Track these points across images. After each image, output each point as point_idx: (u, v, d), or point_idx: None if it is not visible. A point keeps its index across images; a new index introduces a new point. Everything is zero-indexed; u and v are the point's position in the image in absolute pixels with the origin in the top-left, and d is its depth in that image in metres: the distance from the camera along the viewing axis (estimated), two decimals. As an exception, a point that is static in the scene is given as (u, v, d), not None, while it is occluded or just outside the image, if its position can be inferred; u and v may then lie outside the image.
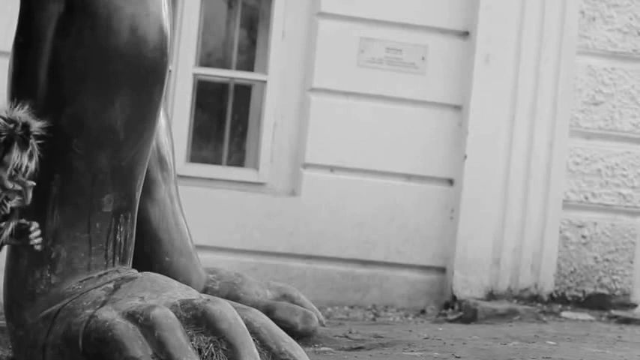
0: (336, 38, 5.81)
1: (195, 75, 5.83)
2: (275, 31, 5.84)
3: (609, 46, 6.00)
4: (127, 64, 2.83)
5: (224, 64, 6.04)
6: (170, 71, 5.56)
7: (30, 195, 2.29)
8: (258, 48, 6.03)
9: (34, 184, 2.30)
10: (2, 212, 2.28)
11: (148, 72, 2.85)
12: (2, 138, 2.27)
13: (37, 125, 2.31)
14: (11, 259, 2.93)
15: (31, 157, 2.30)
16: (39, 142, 2.31)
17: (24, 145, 2.29)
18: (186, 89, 5.78)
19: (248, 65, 6.03)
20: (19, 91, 2.97)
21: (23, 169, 2.30)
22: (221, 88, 5.99)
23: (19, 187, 2.29)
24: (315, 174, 5.79)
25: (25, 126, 2.30)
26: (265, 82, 5.84)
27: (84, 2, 2.84)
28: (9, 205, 2.28)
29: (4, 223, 2.30)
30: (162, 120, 3.71)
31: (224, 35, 6.10)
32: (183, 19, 5.78)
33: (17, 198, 2.29)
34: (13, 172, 2.27)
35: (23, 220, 2.37)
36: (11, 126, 2.27)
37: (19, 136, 2.29)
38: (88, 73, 2.82)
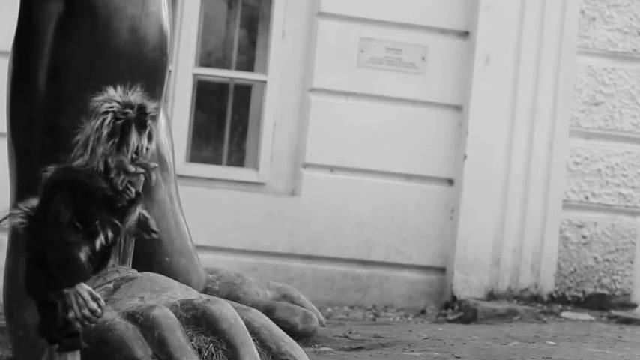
0: (336, 38, 5.82)
1: (195, 75, 5.83)
2: (275, 31, 5.84)
3: (609, 46, 6.00)
4: (127, 64, 2.83)
5: (224, 64, 6.04)
6: (170, 71, 5.56)
7: (154, 177, 2.27)
8: (258, 48, 6.03)
9: (157, 165, 2.28)
10: (128, 197, 2.25)
11: (147, 72, 2.85)
12: (120, 122, 2.24)
13: (152, 106, 2.29)
14: (11, 258, 2.93)
15: (150, 138, 2.28)
16: (154, 122, 2.29)
17: (142, 127, 2.26)
18: (186, 89, 5.78)
19: (248, 65, 6.03)
20: (19, 91, 2.97)
21: (143, 151, 2.27)
22: (221, 88, 5.99)
23: (141, 170, 2.26)
24: (315, 174, 5.79)
25: (141, 108, 2.28)
26: (265, 82, 5.85)
27: (84, 2, 2.84)
28: (134, 190, 2.26)
29: (131, 208, 2.27)
30: (162, 120, 3.71)
31: (224, 35, 6.10)
32: (183, 19, 5.78)
33: (139, 181, 2.27)
34: (134, 156, 2.25)
35: (145, 213, 2.34)
36: (127, 110, 2.25)
37: (135, 118, 2.26)
38: (88, 73, 2.82)
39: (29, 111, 2.91)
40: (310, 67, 5.82)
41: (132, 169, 2.26)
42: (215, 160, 5.92)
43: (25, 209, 2.29)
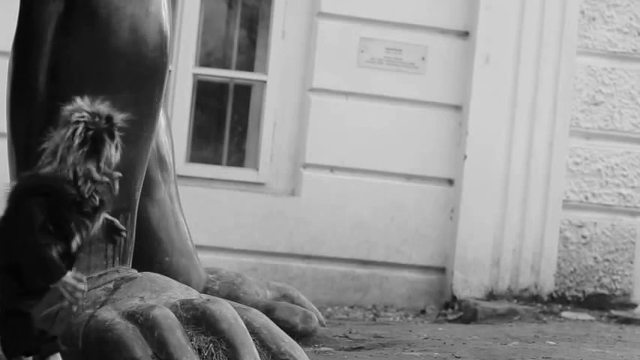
0: (336, 38, 5.81)
1: (195, 75, 5.83)
2: (275, 31, 5.84)
3: (609, 46, 5.99)
4: (127, 64, 2.83)
5: (224, 64, 6.04)
6: (170, 71, 5.56)
7: (117, 186, 2.36)
8: (258, 48, 6.03)
9: (120, 174, 2.36)
10: (92, 204, 2.33)
11: (147, 72, 2.85)
12: (91, 132, 2.31)
13: (119, 117, 2.36)
14: None
15: (117, 148, 2.36)
16: (121, 133, 2.36)
17: (111, 137, 2.35)
18: (186, 89, 5.78)
19: (248, 65, 6.03)
20: (19, 90, 2.97)
21: (111, 160, 2.35)
22: (221, 88, 5.99)
23: (106, 179, 2.34)
24: (315, 174, 5.79)
25: (109, 118, 2.35)
26: (265, 82, 5.84)
27: (84, 2, 2.84)
28: (98, 197, 2.33)
29: (96, 215, 2.34)
30: (161, 120, 3.71)
31: (224, 35, 6.10)
32: (183, 19, 5.78)
33: (104, 189, 2.34)
34: (102, 165, 2.32)
35: (108, 216, 2.41)
36: (96, 120, 2.32)
37: (105, 129, 2.33)
38: (88, 72, 2.82)
39: (29, 111, 2.91)
40: (310, 67, 5.82)
41: (98, 177, 2.33)
42: (215, 160, 5.92)
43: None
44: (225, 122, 5.98)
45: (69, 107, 2.34)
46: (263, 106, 5.84)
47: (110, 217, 2.43)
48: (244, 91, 5.99)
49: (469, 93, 5.86)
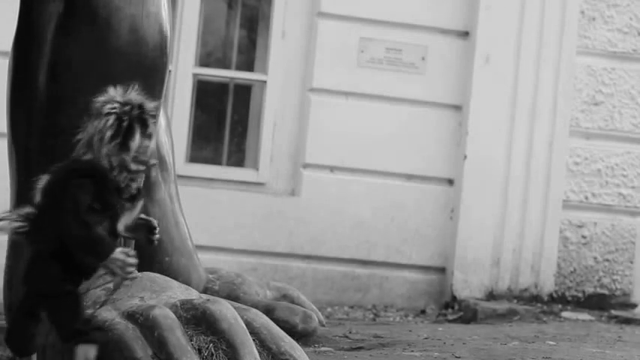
0: (336, 38, 5.81)
1: (195, 75, 5.83)
2: (275, 31, 5.84)
3: (609, 46, 6.00)
4: (127, 64, 2.83)
5: (224, 65, 6.04)
6: (170, 71, 5.56)
7: (154, 173, 2.39)
8: (258, 48, 6.03)
9: (157, 162, 2.37)
10: (129, 193, 2.34)
11: (147, 72, 2.85)
12: (124, 123, 2.32)
13: (152, 105, 2.36)
14: (11, 259, 2.93)
15: (150, 136, 2.36)
16: (154, 121, 2.36)
17: (143, 126, 2.34)
18: (186, 89, 5.78)
19: (248, 65, 6.03)
20: (19, 90, 2.97)
21: (144, 149, 2.35)
22: (221, 88, 5.99)
23: (142, 167, 2.34)
24: (315, 174, 5.79)
25: (141, 107, 2.35)
26: (265, 82, 5.84)
27: (84, 2, 2.84)
28: (134, 186, 2.34)
29: (133, 204, 2.36)
30: (161, 120, 3.70)
31: (224, 35, 6.10)
32: (183, 19, 5.78)
33: (140, 178, 2.35)
34: (135, 154, 2.32)
35: (142, 215, 2.42)
36: (128, 109, 2.32)
37: (137, 118, 2.33)
38: (88, 73, 2.82)
39: (29, 111, 2.91)
40: (310, 67, 5.82)
41: (133, 167, 2.32)
42: (215, 160, 5.92)
43: (23, 213, 2.35)
44: (225, 122, 5.98)
45: (101, 98, 2.34)
46: (263, 106, 5.84)
47: (146, 217, 2.45)
48: (244, 91, 5.99)
49: (469, 93, 5.86)
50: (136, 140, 2.33)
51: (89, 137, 2.33)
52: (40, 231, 2.31)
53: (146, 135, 2.35)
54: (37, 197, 2.35)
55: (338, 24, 5.82)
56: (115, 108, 2.32)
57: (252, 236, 5.70)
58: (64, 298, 2.32)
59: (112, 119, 2.31)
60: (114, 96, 2.34)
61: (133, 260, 2.29)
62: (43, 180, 2.37)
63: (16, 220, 2.34)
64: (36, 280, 2.33)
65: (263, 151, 5.81)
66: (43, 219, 2.31)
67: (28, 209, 2.35)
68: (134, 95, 2.35)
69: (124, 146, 2.32)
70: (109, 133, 2.31)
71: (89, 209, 2.28)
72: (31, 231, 2.32)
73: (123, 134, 2.32)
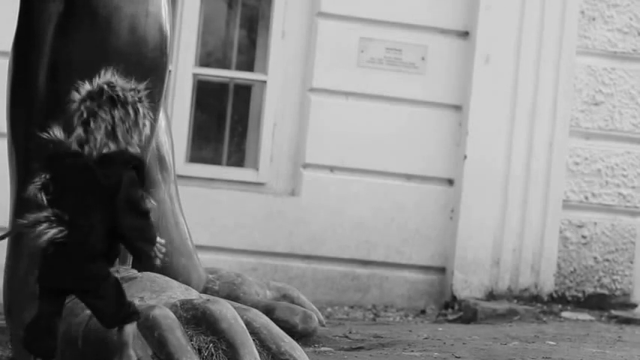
0: (336, 38, 5.81)
1: (195, 75, 5.83)
2: (275, 31, 5.84)
3: (609, 46, 6.00)
4: (127, 64, 2.83)
5: (224, 64, 6.04)
6: (170, 71, 5.56)
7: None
8: (258, 48, 6.03)
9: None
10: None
11: (147, 72, 2.85)
12: (144, 110, 2.32)
13: (141, 86, 2.35)
14: (11, 259, 2.93)
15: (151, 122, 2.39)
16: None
17: (147, 111, 2.36)
18: (186, 89, 5.78)
19: (248, 65, 6.03)
20: (19, 91, 2.97)
21: (148, 136, 2.39)
22: (221, 88, 5.99)
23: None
24: (315, 174, 5.79)
25: (138, 90, 2.35)
26: (265, 82, 5.84)
27: (84, 2, 2.84)
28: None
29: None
30: (161, 120, 3.70)
31: (224, 35, 6.10)
32: (183, 19, 5.78)
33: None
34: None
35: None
36: (134, 94, 2.32)
37: (141, 102, 2.34)
38: (88, 72, 2.82)
39: (29, 111, 2.91)
40: (310, 67, 5.82)
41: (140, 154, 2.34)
42: (215, 160, 5.92)
43: (52, 217, 2.28)
44: (225, 122, 5.98)
45: (117, 84, 2.30)
46: (263, 106, 5.84)
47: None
48: (244, 91, 5.99)
49: (469, 93, 5.86)
50: (148, 126, 2.33)
51: (110, 127, 2.27)
52: (81, 229, 2.26)
53: (147, 119, 2.35)
54: (62, 196, 2.29)
55: (338, 24, 5.82)
56: (134, 96, 2.30)
57: (252, 236, 5.70)
58: (108, 287, 2.31)
59: (141, 108, 2.30)
60: (123, 84, 2.31)
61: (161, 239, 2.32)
62: (60, 178, 2.31)
63: (52, 227, 2.26)
64: (79, 278, 2.28)
65: (263, 151, 5.81)
66: (87, 217, 2.26)
67: (46, 212, 2.28)
68: (123, 80, 2.33)
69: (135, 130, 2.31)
70: (142, 122, 2.30)
71: (142, 198, 2.29)
72: (72, 232, 2.26)
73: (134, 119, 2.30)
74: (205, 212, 5.59)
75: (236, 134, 6.01)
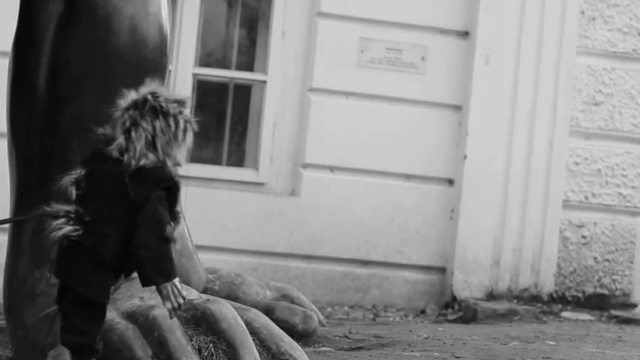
0: (336, 38, 5.81)
1: (195, 75, 5.83)
2: (275, 31, 5.84)
3: (609, 46, 5.99)
4: (127, 64, 2.83)
5: (224, 64, 6.04)
6: (170, 71, 5.56)
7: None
8: (257, 48, 6.02)
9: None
10: None
11: (147, 72, 2.85)
12: (187, 124, 2.32)
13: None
14: (11, 259, 2.93)
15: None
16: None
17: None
18: (186, 89, 5.78)
19: (248, 65, 6.03)
20: (19, 90, 2.97)
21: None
22: (221, 88, 5.99)
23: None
24: (315, 174, 5.79)
25: (183, 102, 2.34)
26: (265, 82, 5.84)
27: (84, 2, 2.84)
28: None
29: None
30: (162, 120, 3.70)
31: (224, 35, 6.10)
32: (183, 19, 5.78)
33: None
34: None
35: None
36: (179, 107, 2.30)
37: (182, 115, 2.33)
38: (88, 73, 2.82)
39: (29, 111, 2.91)
40: (310, 67, 5.82)
41: (182, 161, 2.32)
42: (215, 160, 5.92)
43: (72, 214, 2.26)
44: (225, 122, 5.97)
45: (160, 96, 2.27)
46: (263, 106, 5.84)
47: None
48: (244, 91, 5.99)
49: (469, 93, 5.86)
50: (188, 140, 2.29)
51: (150, 137, 2.25)
52: (95, 235, 2.24)
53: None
54: (90, 196, 2.27)
55: (338, 24, 5.82)
56: (183, 110, 2.28)
57: (252, 236, 5.70)
58: (98, 306, 2.28)
59: (181, 120, 2.27)
60: (167, 95, 2.29)
61: (185, 293, 2.24)
62: (95, 181, 2.29)
63: (66, 225, 2.25)
64: (79, 282, 2.26)
65: (263, 151, 5.81)
66: (105, 225, 2.24)
67: (67, 208, 2.26)
68: (166, 91, 2.31)
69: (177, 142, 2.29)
70: (181, 136, 2.27)
71: (166, 222, 2.23)
72: (85, 235, 2.25)
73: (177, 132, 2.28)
74: (205, 212, 5.58)
75: (236, 134, 6.01)
